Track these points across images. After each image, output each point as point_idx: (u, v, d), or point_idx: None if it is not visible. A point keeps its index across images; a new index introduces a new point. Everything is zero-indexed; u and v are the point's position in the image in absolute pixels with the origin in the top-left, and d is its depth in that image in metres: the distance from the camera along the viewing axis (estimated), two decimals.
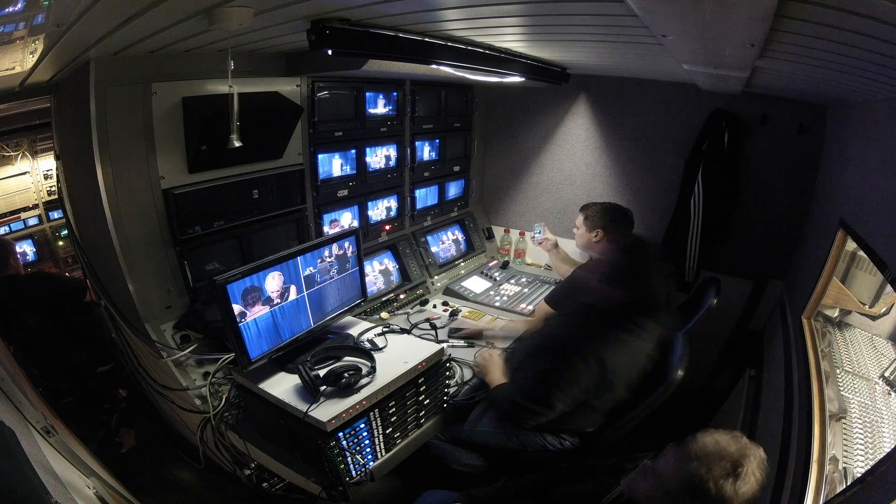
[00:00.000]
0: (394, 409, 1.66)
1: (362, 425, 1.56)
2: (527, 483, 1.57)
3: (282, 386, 1.59)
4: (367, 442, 1.59)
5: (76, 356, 2.54)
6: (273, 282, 1.63)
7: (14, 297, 2.52)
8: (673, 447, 1.16)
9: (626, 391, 1.78)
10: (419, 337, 2.21)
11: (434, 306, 2.68)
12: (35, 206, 3.83)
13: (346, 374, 1.55)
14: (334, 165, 2.41)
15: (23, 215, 3.77)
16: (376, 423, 1.60)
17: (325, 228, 2.42)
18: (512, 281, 2.99)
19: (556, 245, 2.83)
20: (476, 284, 2.92)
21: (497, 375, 1.92)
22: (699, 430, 1.17)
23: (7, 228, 3.68)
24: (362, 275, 2.02)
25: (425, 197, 2.99)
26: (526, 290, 2.87)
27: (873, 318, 1.98)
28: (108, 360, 2.58)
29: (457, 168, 3.18)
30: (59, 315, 2.56)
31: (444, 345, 2.00)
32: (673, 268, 2.88)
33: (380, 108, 2.54)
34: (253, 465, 1.83)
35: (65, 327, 2.55)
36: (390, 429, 1.66)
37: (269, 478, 1.90)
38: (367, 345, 1.82)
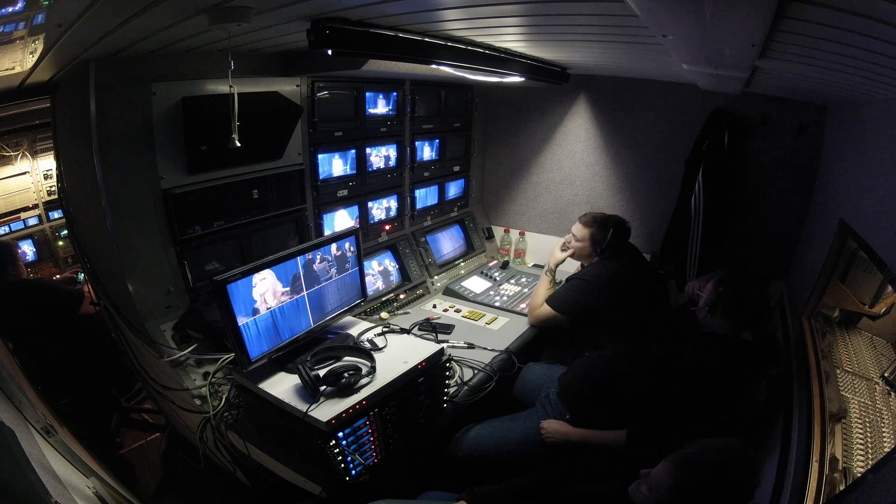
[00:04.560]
0: (394, 409, 1.66)
1: (362, 425, 1.56)
2: (530, 482, 1.57)
3: (282, 386, 1.59)
4: (367, 442, 1.59)
5: (71, 365, 2.52)
6: (272, 281, 1.63)
7: (9, 302, 2.51)
8: (667, 458, 1.18)
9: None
10: (419, 337, 2.21)
11: (434, 306, 2.68)
12: (35, 206, 3.83)
13: (345, 374, 1.55)
14: (334, 165, 2.41)
15: (23, 215, 3.77)
16: (376, 423, 1.60)
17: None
18: (512, 281, 2.99)
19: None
20: (476, 284, 2.92)
21: (572, 432, 1.91)
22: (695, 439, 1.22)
23: (7, 228, 3.67)
24: (362, 275, 2.02)
25: (425, 197, 2.99)
26: (526, 290, 2.86)
27: (873, 318, 1.98)
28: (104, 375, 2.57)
29: (457, 168, 3.18)
30: (53, 323, 2.55)
31: (444, 345, 2.00)
32: (672, 268, 2.87)
33: (380, 108, 2.54)
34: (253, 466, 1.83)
35: (59, 335, 2.53)
36: (390, 429, 1.66)
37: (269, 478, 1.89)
38: (367, 345, 1.82)
